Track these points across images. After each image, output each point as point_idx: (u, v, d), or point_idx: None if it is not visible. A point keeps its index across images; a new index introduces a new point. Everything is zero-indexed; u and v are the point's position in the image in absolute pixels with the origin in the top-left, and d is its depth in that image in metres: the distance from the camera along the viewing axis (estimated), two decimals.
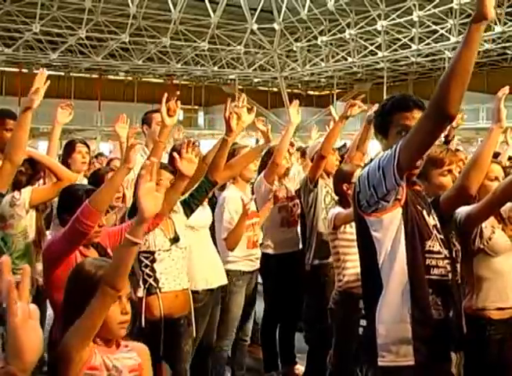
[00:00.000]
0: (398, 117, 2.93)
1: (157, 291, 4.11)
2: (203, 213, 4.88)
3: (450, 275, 2.88)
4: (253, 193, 5.99)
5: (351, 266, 4.71)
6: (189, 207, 4.37)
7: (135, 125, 5.54)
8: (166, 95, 4.14)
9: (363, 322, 2.95)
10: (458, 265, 3.48)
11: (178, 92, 4.21)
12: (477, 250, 3.69)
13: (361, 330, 2.99)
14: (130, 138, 5.09)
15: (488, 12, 2.40)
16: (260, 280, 6.36)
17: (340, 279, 4.92)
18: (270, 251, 6.08)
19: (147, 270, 4.15)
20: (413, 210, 2.81)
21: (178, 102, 4.15)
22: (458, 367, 3.68)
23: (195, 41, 30.57)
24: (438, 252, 2.84)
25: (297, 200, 6.01)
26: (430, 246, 2.82)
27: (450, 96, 2.45)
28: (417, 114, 2.88)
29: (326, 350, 5.15)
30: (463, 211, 3.59)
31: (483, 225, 3.67)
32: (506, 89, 3.52)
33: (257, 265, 5.59)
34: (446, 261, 2.87)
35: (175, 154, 3.78)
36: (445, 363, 2.92)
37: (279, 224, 6.08)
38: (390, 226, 2.78)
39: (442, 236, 2.91)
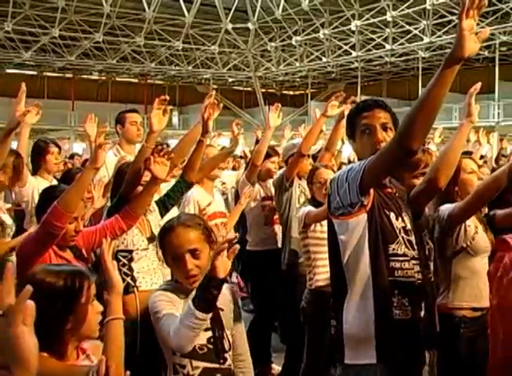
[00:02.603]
0: (360, 118, 2.99)
1: (135, 289, 4.12)
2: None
3: (419, 275, 2.93)
4: (237, 193, 6.09)
5: (322, 265, 4.75)
6: (164, 207, 4.41)
7: (105, 125, 5.54)
8: (157, 100, 4.12)
9: (333, 322, 3.00)
10: (431, 264, 3.53)
11: (168, 97, 4.19)
12: (460, 248, 3.72)
13: (333, 329, 3.04)
14: (98, 137, 5.10)
15: (467, 53, 2.36)
16: (234, 279, 6.38)
17: (310, 277, 4.95)
18: (254, 248, 6.16)
19: (124, 269, 4.15)
20: (379, 215, 2.87)
21: (169, 107, 4.15)
22: (431, 365, 3.72)
23: (169, 41, 30.44)
24: (404, 255, 2.89)
25: None
26: (394, 249, 2.87)
27: (414, 131, 2.49)
28: (379, 113, 2.98)
29: (303, 350, 5.17)
30: (445, 209, 3.63)
31: (467, 223, 3.71)
32: (478, 85, 3.56)
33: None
34: (413, 262, 2.92)
35: (150, 157, 3.79)
36: (412, 362, 2.96)
37: (263, 222, 6.17)
38: (355, 230, 2.85)
39: (411, 238, 2.95)
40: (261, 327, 6.17)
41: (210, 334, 2.82)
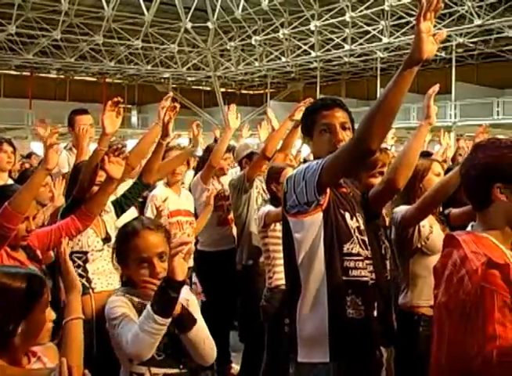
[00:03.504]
0: (319, 116, 3.00)
1: (90, 291, 4.07)
2: (131, 215, 4.87)
3: (372, 275, 2.96)
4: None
5: (281, 264, 4.73)
6: (120, 207, 4.37)
7: (58, 125, 5.46)
8: (110, 102, 4.06)
9: (287, 320, 3.01)
10: (387, 262, 3.56)
11: (121, 99, 4.12)
12: (416, 248, 3.74)
13: (286, 328, 3.05)
14: (50, 137, 5.02)
15: (425, 54, 2.38)
16: (194, 279, 6.36)
17: (270, 276, 4.96)
18: (206, 248, 6.12)
19: (79, 270, 4.10)
20: (334, 214, 2.88)
21: (121, 108, 4.09)
22: (389, 362, 3.75)
23: (128, 40, 30.25)
24: (358, 254, 2.91)
25: None
26: (348, 248, 2.88)
27: (373, 132, 2.49)
28: (337, 112, 3.00)
29: (261, 349, 5.17)
30: (399, 211, 3.66)
31: (421, 223, 3.73)
32: (436, 87, 3.60)
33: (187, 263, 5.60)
34: (367, 262, 2.94)
35: (105, 157, 3.75)
36: (365, 361, 2.97)
37: (216, 223, 6.13)
38: (310, 229, 2.85)
39: (365, 238, 2.97)
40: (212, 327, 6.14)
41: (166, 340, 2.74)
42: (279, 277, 4.84)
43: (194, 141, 5.56)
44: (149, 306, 2.57)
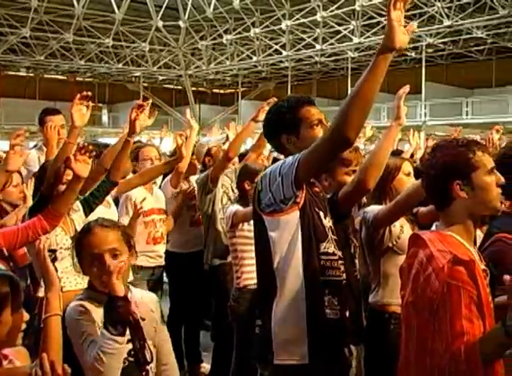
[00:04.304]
0: (307, 112, 3.00)
1: None
2: (106, 212, 4.84)
3: (344, 275, 2.96)
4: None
5: (249, 264, 4.74)
6: (88, 206, 4.35)
7: (24, 128, 5.41)
8: (78, 95, 4.05)
9: (259, 321, 2.96)
10: (357, 261, 3.57)
11: (90, 93, 4.11)
12: (387, 248, 3.75)
13: (258, 329, 3.01)
14: (14, 139, 4.99)
15: (397, 44, 2.43)
16: (166, 279, 6.33)
17: (238, 276, 4.96)
18: (177, 249, 6.09)
19: None
20: (311, 212, 2.86)
21: (90, 102, 4.09)
22: (359, 359, 3.76)
23: (99, 38, 30.01)
24: (333, 254, 2.90)
25: None
26: (325, 247, 2.87)
27: (350, 121, 2.50)
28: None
29: (231, 348, 5.17)
30: (371, 211, 3.67)
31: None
32: (407, 88, 3.62)
33: (159, 262, 5.59)
34: (340, 262, 2.94)
35: (70, 156, 3.73)
36: (341, 362, 2.98)
37: (188, 223, 6.11)
38: (286, 228, 2.82)
39: (336, 238, 2.97)
40: (175, 324, 6.11)
41: (130, 346, 2.72)
42: (247, 277, 4.85)
43: (179, 153, 5.53)
44: (103, 330, 2.56)
